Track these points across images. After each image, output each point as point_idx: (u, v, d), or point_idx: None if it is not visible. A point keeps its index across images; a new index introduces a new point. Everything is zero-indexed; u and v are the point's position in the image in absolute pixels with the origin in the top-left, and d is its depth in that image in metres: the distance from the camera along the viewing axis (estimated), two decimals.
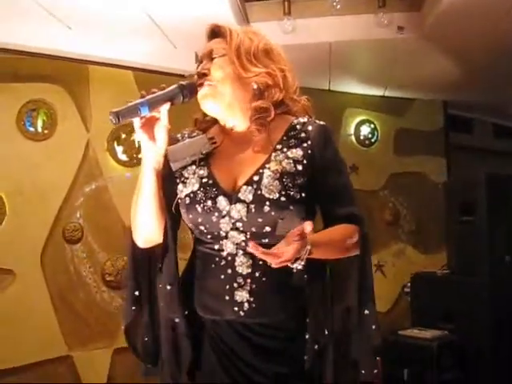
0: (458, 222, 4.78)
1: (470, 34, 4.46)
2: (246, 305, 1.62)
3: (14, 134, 4.48)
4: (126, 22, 4.18)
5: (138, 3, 3.87)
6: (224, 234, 1.66)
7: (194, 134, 1.87)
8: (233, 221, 1.64)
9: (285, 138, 1.75)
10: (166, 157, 1.73)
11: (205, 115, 1.87)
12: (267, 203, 1.61)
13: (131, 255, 1.82)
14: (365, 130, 6.06)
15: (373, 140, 6.12)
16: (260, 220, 1.62)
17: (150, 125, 1.67)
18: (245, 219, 1.63)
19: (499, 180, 4.77)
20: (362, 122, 6.08)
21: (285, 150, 1.71)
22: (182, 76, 4.88)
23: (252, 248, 1.44)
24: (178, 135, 1.89)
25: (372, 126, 6.12)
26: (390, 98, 6.18)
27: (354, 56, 5.10)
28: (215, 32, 1.86)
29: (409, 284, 5.21)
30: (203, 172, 1.74)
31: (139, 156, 4.92)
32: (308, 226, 1.45)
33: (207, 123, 1.89)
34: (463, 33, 4.45)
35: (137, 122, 1.64)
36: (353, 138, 6.00)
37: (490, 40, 4.56)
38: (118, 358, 4.73)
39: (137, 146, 4.93)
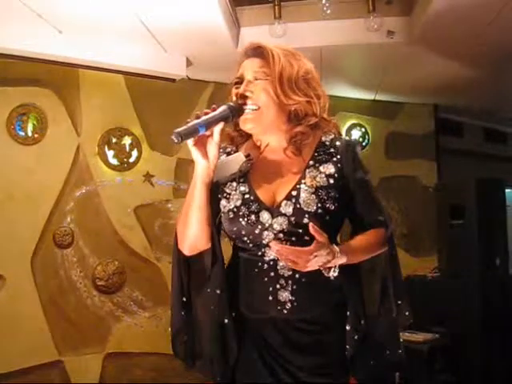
0: (449, 226, 4.80)
1: (459, 38, 4.48)
2: (289, 304, 1.78)
3: (4, 139, 4.48)
4: (117, 26, 4.18)
5: (128, 8, 3.87)
6: (266, 243, 1.80)
7: (228, 149, 1.99)
8: (275, 232, 1.79)
9: (316, 154, 1.89)
10: None
11: (239, 132, 1.96)
12: (306, 215, 1.77)
13: (177, 262, 1.89)
14: (356, 134, 6.08)
15: (364, 144, 6.14)
16: (300, 231, 1.77)
17: (202, 142, 1.77)
18: (286, 231, 1.78)
19: (489, 184, 4.79)
20: (353, 126, 6.11)
21: (317, 165, 1.86)
22: (172, 80, 4.88)
23: (275, 245, 1.67)
24: None
25: (363, 129, 6.14)
26: (381, 102, 6.20)
27: (344, 60, 5.11)
28: (256, 51, 1.90)
29: None
30: (244, 188, 1.87)
31: (130, 160, 4.93)
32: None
33: (241, 139, 2.00)
34: (453, 37, 4.47)
35: (190, 140, 1.74)
36: None
37: (479, 44, 4.58)
38: (108, 362, 4.73)
39: (127, 150, 4.94)
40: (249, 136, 1.97)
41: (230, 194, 1.88)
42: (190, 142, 1.74)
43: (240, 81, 1.88)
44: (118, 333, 4.81)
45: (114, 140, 4.92)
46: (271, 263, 1.80)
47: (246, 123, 1.86)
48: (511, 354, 4.71)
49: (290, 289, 1.79)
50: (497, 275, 4.65)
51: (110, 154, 4.90)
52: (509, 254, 4.93)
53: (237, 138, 1.99)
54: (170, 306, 1.91)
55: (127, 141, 4.98)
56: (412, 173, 6.22)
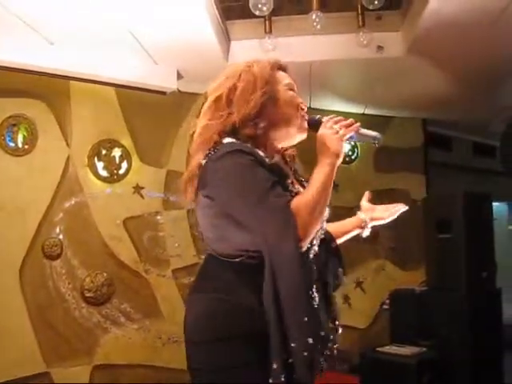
0: (436, 239, 4.82)
1: (448, 53, 4.53)
2: None
3: None
4: (108, 39, 4.20)
5: (120, 20, 3.90)
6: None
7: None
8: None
9: None
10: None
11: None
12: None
13: (301, 265, 1.66)
14: (345, 148, 6.08)
15: (353, 157, 6.18)
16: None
17: None
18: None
19: (476, 198, 4.83)
20: None
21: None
22: (163, 93, 4.90)
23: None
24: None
25: (352, 143, 6.16)
26: (370, 116, 6.24)
27: (334, 74, 5.15)
28: (284, 68, 2.02)
29: (387, 301, 5.23)
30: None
31: (119, 172, 4.94)
32: None
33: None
34: (441, 53, 4.52)
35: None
36: None
37: (468, 58, 4.63)
38: (96, 374, 4.71)
39: (117, 162, 4.95)
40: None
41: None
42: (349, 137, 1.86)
43: (293, 88, 1.97)
44: (106, 344, 4.79)
45: (103, 152, 4.92)
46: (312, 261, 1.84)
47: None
48: (499, 367, 4.74)
49: None
50: (484, 288, 4.68)
51: (99, 165, 4.90)
52: (496, 268, 4.96)
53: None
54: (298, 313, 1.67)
55: (117, 152, 4.98)
56: (401, 186, 6.25)
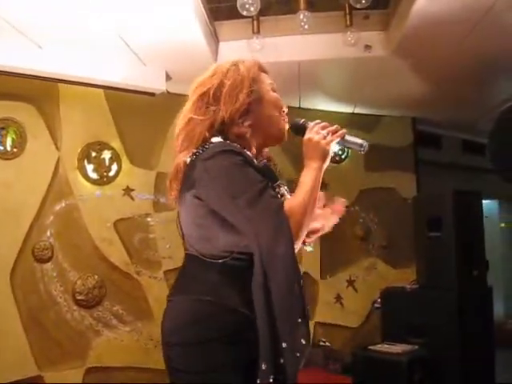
0: (427, 238, 4.83)
1: (435, 52, 4.55)
2: None
3: None
4: (97, 41, 4.20)
5: (108, 22, 3.89)
6: None
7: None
8: None
9: None
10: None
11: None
12: None
13: (295, 265, 1.70)
14: (335, 147, 6.10)
15: (343, 156, 6.19)
16: None
17: None
18: None
19: (466, 195, 4.84)
20: None
21: None
22: (152, 94, 4.89)
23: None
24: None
25: None
26: (360, 115, 6.26)
27: (322, 74, 5.16)
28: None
29: (379, 299, 5.24)
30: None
31: (109, 174, 4.93)
32: None
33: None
34: (430, 51, 4.53)
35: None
36: None
37: (456, 57, 4.65)
38: (89, 377, 4.70)
39: (107, 164, 4.94)
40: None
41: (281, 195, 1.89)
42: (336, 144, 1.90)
43: (275, 89, 1.99)
44: (99, 347, 4.79)
45: (93, 154, 4.92)
46: None
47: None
48: (490, 365, 4.76)
49: None
50: (475, 287, 4.69)
51: (89, 168, 4.90)
52: (488, 266, 4.98)
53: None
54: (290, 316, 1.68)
55: (107, 155, 4.98)
56: (391, 185, 6.28)
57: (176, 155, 1.89)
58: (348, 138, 1.93)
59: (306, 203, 1.72)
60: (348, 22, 4.33)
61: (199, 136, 1.82)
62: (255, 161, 1.82)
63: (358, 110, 6.21)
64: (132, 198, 5.04)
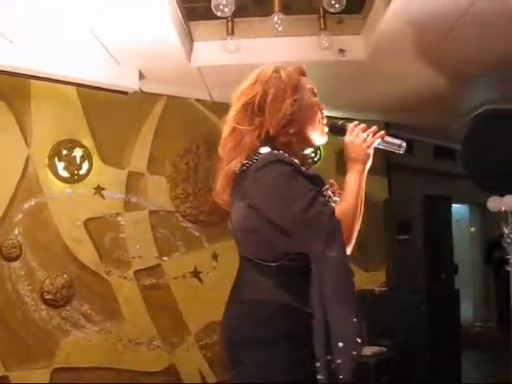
0: (396, 241, 4.88)
1: (408, 57, 4.59)
2: None
3: None
4: (70, 38, 4.17)
5: (81, 20, 3.86)
6: None
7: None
8: None
9: None
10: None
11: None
12: None
13: (348, 268, 1.80)
14: (307, 150, 6.12)
15: (315, 159, 6.20)
16: None
17: None
18: None
19: (436, 200, 4.90)
20: None
21: None
22: (125, 93, 4.87)
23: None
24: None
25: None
26: (332, 118, 6.22)
27: None
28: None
29: None
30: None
31: (80, 173, 4.89)
32: None
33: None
34: (402, 56, 4.57)
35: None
36: None
37: (429, 63, 4.70)
38: (56, 377, 4.65)
39: (78, 162, 4.90)
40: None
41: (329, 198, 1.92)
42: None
43: (315, 92, 2.05)
44: (67, 347, 4.74)
45: (64, 152, 4.87)
46: None
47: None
48: (457, 367, 4.81)
49: None
50: (442, 289, 4.74)
51: (60, 165, 4.85)
52: (457, 269, 5.04)
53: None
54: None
55: (78, 153, 4.93)
56: None
57: (225, 163, 1.90)
58: (387, 138, 1.99)
59: (355, 207, 1.80)
60: (322, 26, 4.34)
61: (250, 146, 1.85)
62: (303, 168, 1.88)
63: (330, 114, 6.19)
64: (103, 197, 5.00)
